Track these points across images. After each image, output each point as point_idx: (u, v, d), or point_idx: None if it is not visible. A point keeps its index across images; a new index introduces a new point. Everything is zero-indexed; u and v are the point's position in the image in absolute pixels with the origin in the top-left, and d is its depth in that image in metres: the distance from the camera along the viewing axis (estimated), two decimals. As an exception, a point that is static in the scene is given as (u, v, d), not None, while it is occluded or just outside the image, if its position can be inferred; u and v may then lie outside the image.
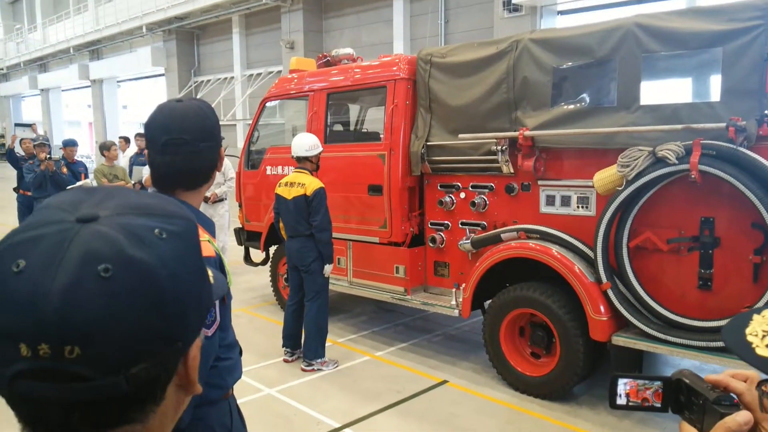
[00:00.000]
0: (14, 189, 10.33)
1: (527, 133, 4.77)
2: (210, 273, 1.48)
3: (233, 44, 22.65)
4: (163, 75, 26.30)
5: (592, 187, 4.48)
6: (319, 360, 5.54)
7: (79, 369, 0.58)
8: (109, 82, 31.13)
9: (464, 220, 5.48)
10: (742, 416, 0.87)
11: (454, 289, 5.41)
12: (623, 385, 1.01)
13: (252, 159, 7.49)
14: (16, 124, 24.60)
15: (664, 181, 4.18)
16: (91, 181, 9.47)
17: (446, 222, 5.61)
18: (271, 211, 6.07)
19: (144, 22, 24.66)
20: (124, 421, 0.63)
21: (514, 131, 4.88)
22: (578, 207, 4.77)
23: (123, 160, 10.90)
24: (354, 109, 7.68)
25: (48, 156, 8.99)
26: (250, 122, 7.69)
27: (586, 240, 4.62)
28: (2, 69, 40.86)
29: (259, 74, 21.48)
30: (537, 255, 4.77)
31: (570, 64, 4.76)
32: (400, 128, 5.70)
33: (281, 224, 5.66)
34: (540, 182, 4.94)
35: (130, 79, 31.19)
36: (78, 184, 8.63)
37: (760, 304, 3.87)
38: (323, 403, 4.88)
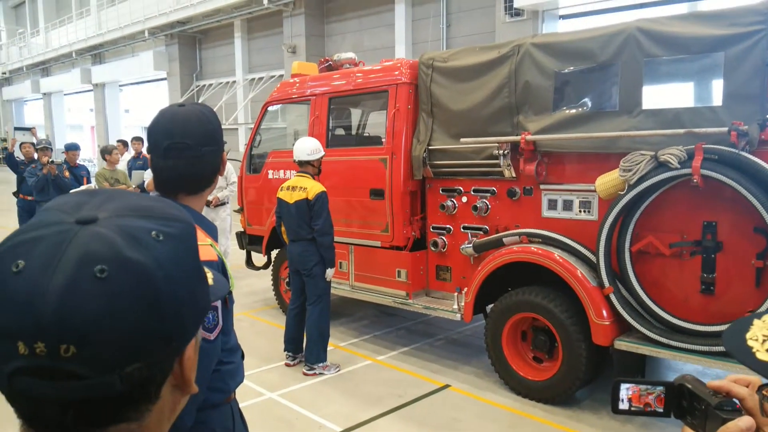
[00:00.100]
0: (14, 193, 10.28)
1: (529, 137, 4.77)
2: (210, 275, 1.48)
3: (235, 48, 22.67)
4: (165, 79, 26.33)
5: (595, 191, 4.48)
6: (320, 364, 5.54)
7: (74, 367, 0.59)
8: (111, 86, 31.18)
9: (466, 224, 5.48)
10: (744, 422, 0.87)
11: (456, 293, 5.41)
12: (626, 390, 1.02)
13: (254, 163, 7.50)
14: (16, 128, 24.58)
15: (666, 185, 4.18)
16: (93, 186, 9.48)
17: (448, 226, 5.61)
18: (273, 215, 6.07)
19: (146, 26, 24.71)
20: (120, 419, 0.64)
21: (516, 135, 4.88)
22: (580, 211, 4.77)
23: (120, 164, 10.88)
24: (356, 114, 7.69)
25: (50, 160, 9.00)
26: (252, 126, 7.70)
27: (589, 244, 4.61)
28: (5, 73, 40.95)
29: (260, 78, 21.50)
30: (539, 259, 4.77)
31: (572, 68, 4.76)
32: (402, 132, 5.71)
33: (283, 228, 5.67)
34: (542, 186, 4.94)
35: (132, 83, 31.21)
36: (81, 188, 8.64)
37: (763, 308, 3.86)
38: (325, 408, 4.88)
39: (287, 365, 5.75)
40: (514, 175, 5.02)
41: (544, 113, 4.83)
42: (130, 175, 9.79)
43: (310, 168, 5.54)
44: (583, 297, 4.53)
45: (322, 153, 5.59)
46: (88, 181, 9.68)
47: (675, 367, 5.56)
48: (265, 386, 5.28)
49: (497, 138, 5.01)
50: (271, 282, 7.45)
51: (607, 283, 4.42)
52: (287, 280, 6.74)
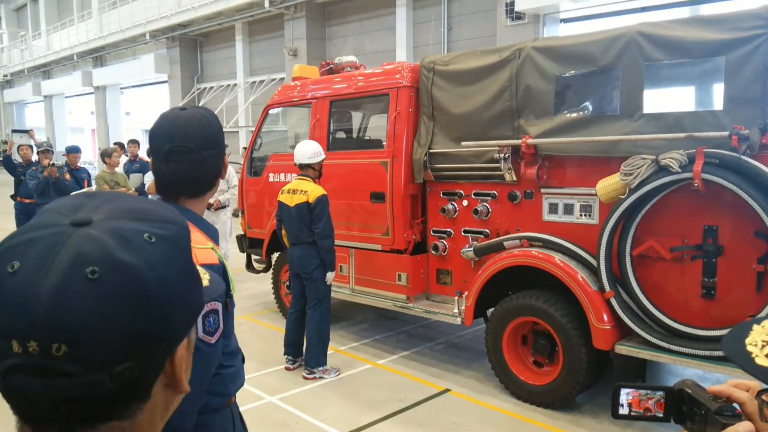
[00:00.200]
0: (11, 196, 10.22)
1: (530, 141, 4.77)
2: (207, 276, 1.47)
3: (236, 51, 22.71)
4: (166, 82, 26.39)
5: (595, 195, 4.48)
6: (320, 368, 5.53)
7: (65, 366, 0.60)
8: (112, 89, 31.25)
9: (467, 228, 5.47)
10: (743, 427, 0.87)
11: (456, 297, 5.40)
12: (626, 395, 1.02)
13: (255, 166, 7.50)
14: (13, 131, 24.55)
15: (667, 189, 4.18)
16: (94, 189, 9.48)
17: (449, 230, 5.61)
18: (274, 218, 6.07)
19: (147, 29, 24.77)
20: (111, 417, 0.65)
21: (517, 139, 4.89)
22: (581, 215, 4.77)
23: (117, 167, 10.84)
24: (357, 117, 7.69)
25: (51, 162, 9.01)
26: (253, 129, 7.71)
27: (589, 248, 4.61)
28: (6, 76, 41.07)
29: (261, 81, 21.53)
30: (540, 263, 4.76)
31: (573, 72, 4.77)
32: (403, 136, 5.71)
33: (283, 231, 5.67)
34: (543, 190, 4.94)
35: (133, 86, 31.28)
36: (83, 191, 8.64)
37: (763, 313, 3.86)
38: (325, 412, 4.87)
39: (287, 369, 5.74)
40: (514, 178, 5.02)
41: (545, 117, 4.83)
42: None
43: (311, 171, 5.54)
44: (583, 301, 4.52)
45: (323, 156, 5.60)
46: (89, 184, 9.68)
47: (676, 371, 5.55)
48: (265, 390, 5.27)
49: (498, 141, 5.01)
50: (272, 285, 7.45)
51: (607, 287, 4.41)
52: (287, 283, 6.74)
